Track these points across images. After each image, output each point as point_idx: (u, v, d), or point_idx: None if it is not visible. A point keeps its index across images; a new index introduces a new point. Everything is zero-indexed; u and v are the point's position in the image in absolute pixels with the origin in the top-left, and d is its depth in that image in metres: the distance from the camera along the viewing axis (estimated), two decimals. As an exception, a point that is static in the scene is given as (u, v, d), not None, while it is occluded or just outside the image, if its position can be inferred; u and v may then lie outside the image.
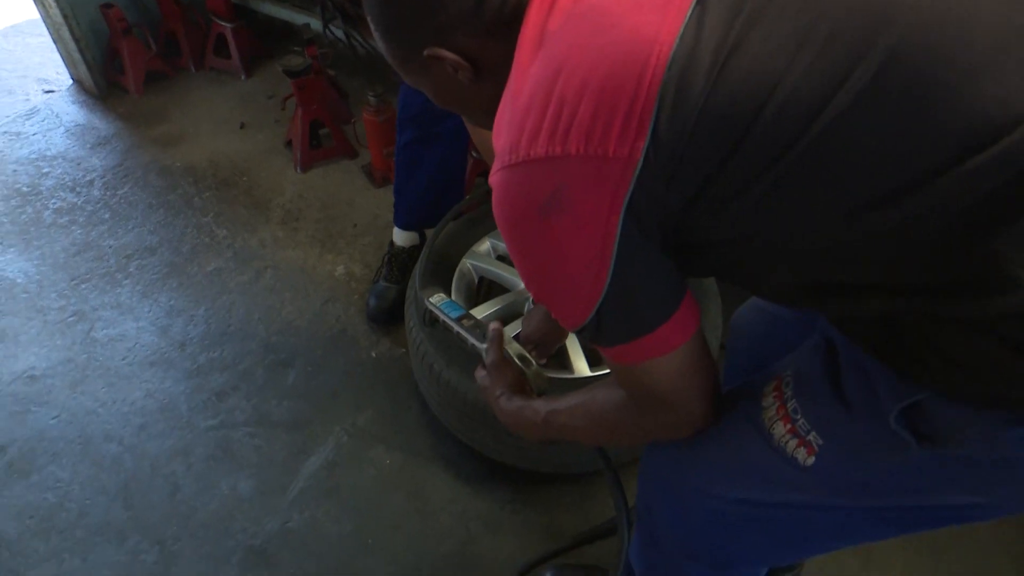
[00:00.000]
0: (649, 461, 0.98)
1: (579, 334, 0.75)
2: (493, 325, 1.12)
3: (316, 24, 2.57)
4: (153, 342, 1.88)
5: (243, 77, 2.81)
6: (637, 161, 0.61)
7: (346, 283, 2.03)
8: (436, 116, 1.71)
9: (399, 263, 1.92)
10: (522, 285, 1.67)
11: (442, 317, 1.22)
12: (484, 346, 1.15)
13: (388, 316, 1.89)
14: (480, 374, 1.12)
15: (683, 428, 0.82)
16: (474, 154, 2.10)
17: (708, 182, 0.62)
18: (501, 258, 1.78)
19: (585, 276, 0.68)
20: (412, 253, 1.93)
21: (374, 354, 1.84)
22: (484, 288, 1.82)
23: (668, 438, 0.87)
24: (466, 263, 1.71)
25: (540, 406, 0.98)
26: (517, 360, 1.13)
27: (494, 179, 0.68)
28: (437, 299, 1.26)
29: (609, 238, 0.64)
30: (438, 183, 1.84)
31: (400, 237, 1.94)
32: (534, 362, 1.14)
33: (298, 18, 2.57)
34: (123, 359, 1.84)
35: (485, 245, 1.76)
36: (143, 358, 1.84)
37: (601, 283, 0.67)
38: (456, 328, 1.20)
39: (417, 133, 1.74)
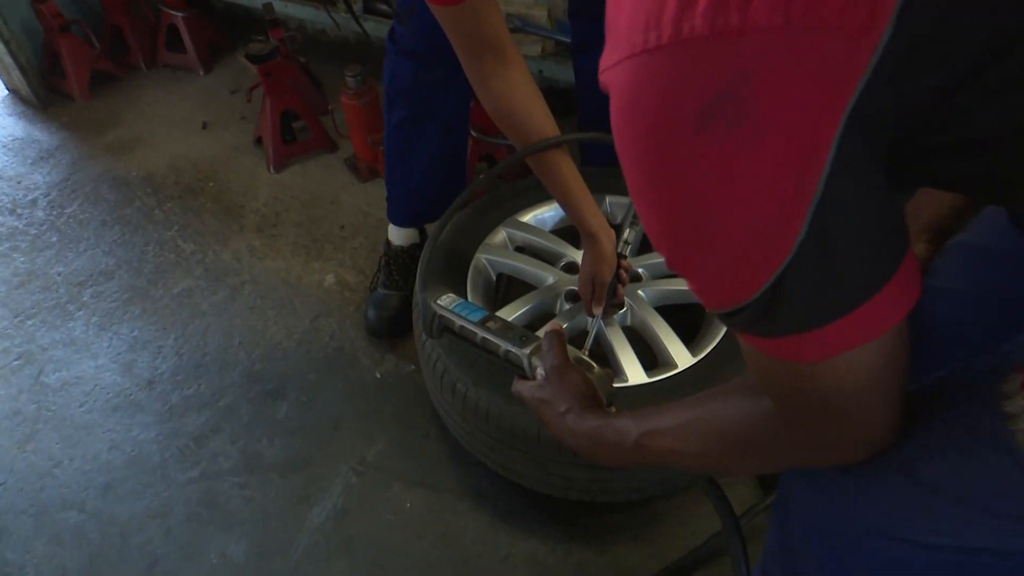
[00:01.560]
0: (797, 490, 0.72)
1: (729, 318, 0.49)
2: (550, 324, 0.86)
3: (280, 4, 2.28)
4: (116, 382, 1.59)
5: (201, 72, 2.51)
6: (880, 35, 0.34)
7: (339, 294, 1.75)
8: (431, 89, 1.43)
9: (399, 266, 1.64)
10: (551, 279, 1.40)
11: (459, 322, 0.95)
12: (525, 352, 0.88)
13: (391, 328, 1.61)
14: (524, 387, 0.86)
15: (859, 449, 0.57)
16: (474, 133, 1.82)
17: (998, 56, 0.36)
18: (520, 249, 1.52)
19: (765, 224, 0.42)
20: (413, 253, 1.66)
21: (379, 374, 1.57)
22: (503, 287, 1.56)
23: (834, 462, 0.61)
24: (480, 259, 1.44)
25: (628, 425, 0.73)
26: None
27: (612, 74, 0.42)
28: (447, 301, 0.99)
29: (815, 163, 0.38)
30: (438, 169, 1.56)
31: (397, 236, 1.66)
32: (595, 365, 0.88)
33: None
34: (81, 406, 1.55)
35: (500, 236, 1.49)
36: (105, 402, 1.55)
37: (791, 234, 0.41)
38: (481, 334, 0.93)
39: (409, 111, 1.46)
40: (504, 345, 0.91)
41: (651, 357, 1.30)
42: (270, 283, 1.78)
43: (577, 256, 1.45)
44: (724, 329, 1.28)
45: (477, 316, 0.96)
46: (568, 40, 1.89)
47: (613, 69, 0.42)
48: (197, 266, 1.84)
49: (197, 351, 1.64)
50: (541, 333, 0.90)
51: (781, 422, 0.58)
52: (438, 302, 0.99)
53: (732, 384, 0.68)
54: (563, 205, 1.19)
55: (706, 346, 1.26)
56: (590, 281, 1.23)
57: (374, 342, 1.62)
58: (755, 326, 0.49)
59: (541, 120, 1.11)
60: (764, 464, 0.69)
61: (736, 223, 0.42)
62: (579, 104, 1.66)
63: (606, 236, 1.19)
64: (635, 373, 1.24)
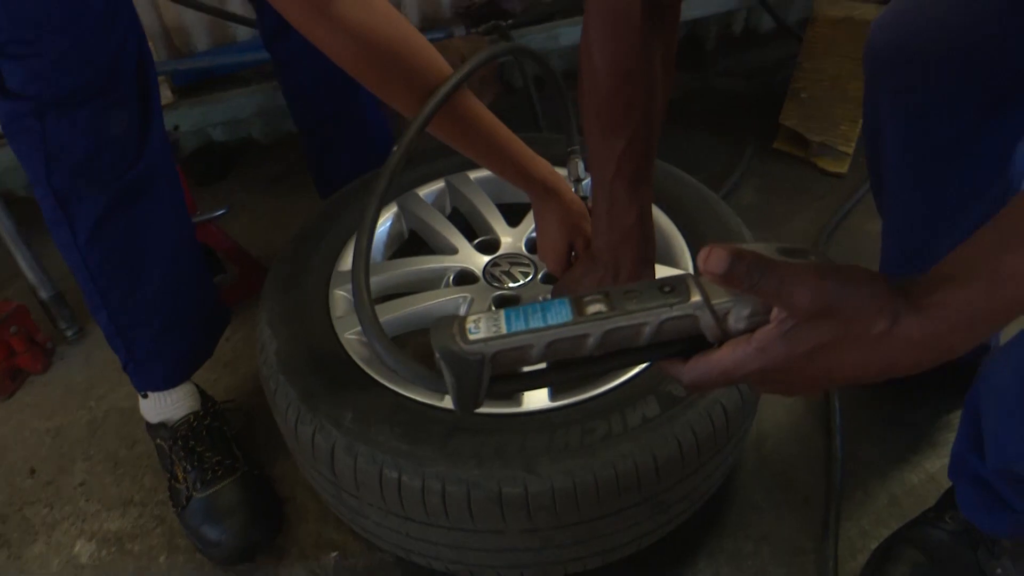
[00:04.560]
0: None
1: None
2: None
3: None
4: None
5: None
6: None
7: (120, 556, 1.00)
8: (131, 142, 0.85)
9: (208, 439, 1.00)
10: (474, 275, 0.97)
11: (543, 341, 0.48)
12: (698, 301, 0.48)
13: (263, 531, 0.98)
14: (739, 356, 0.47)
15: None
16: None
17: None
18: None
19: None
20: (214, 414, 1.03)
21: (295, 603, 0.94)
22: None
23: None
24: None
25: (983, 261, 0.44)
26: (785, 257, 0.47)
27: None
28: (486, 325, 0.49)
29: None
30: (187, 266, 0.98)
31: (173, 405, 1.01)
32: (803, 247, 0.49)
33: None
34: None
35: (346, 262, 1.01)
36: None
37: None
38: (596, 333, 0.48)
39: (113, 194, 0.84)
40: (652, 316, 0.48)
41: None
42: (-25, 633, 0.94)
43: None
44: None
45: (562, 311, 0.48)
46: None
47: None
48: None
49: None
50: None
51: None
52: (471, 335, 0.48)
53: None
54: (494, 164, 0.81)
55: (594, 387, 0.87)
56: (567, 250, 0.86)
57: (248, 570, 0.97)
58: None
59: (430, 51, 0.71)
60: None
61: None
62: (303, 113, 1.22)
63: (565, 185, 0.85)
64: (535, 396, 0.84)
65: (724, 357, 0.47)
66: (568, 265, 0.88)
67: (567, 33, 1.65)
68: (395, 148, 0.70)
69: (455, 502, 0.76)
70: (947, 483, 0.97)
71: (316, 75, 1.15)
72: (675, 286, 0.49)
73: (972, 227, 0.86)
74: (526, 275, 1.01)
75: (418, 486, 0.77)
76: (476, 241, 1.09)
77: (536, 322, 0.48)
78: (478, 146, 0.78)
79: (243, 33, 1.66)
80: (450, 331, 0.49)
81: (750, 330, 0.48)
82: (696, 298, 0.48)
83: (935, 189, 0.87)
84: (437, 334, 0.49)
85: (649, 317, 0.48)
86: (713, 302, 0.48)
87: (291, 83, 1.18)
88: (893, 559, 0.87)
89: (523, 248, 1.07)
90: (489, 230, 1.10)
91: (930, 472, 1.02)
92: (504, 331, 0.48)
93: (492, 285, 1.00)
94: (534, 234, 1.09)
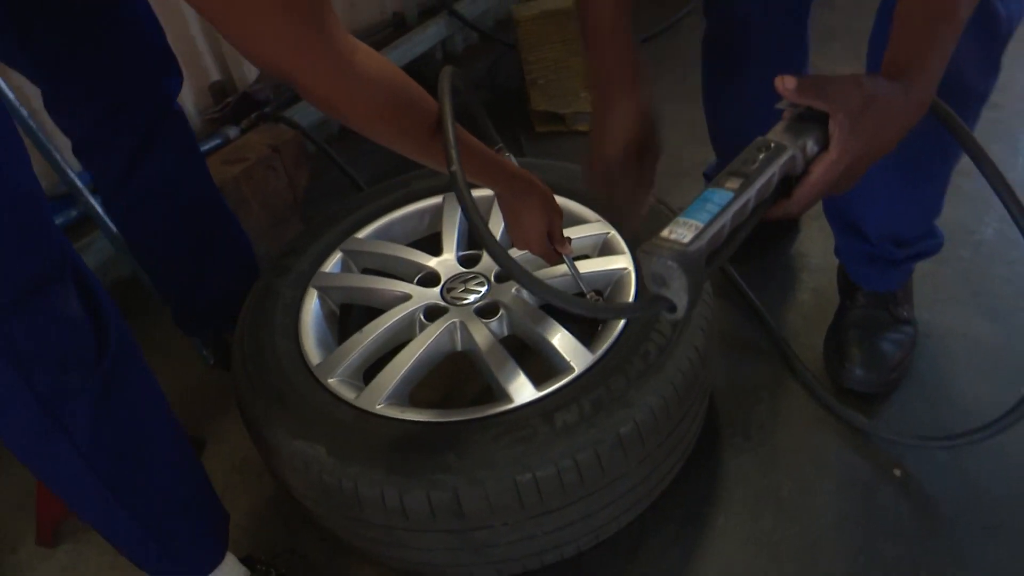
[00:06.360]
0: None
1: None
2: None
3: None
4: None
5: None
6: None
7: None
8: (91, 333, 0.74)
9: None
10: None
11: (721, 223, 0.61)
12: (787, 147, 0.64)
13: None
14: (826, 169, 0.65)
15: None
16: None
17: None
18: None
19: None
20: (271, 564, 0.93)
21: None
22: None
23: None
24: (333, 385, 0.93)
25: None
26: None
27: None
28: (684, 229, 0.59)
29: None
30: (175, 440, 0.87)
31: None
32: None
33: None
34: None
35: (314, 354, 0.99)
36: None
37: None
38: (750, 199, 0.62)
39: (98, 382, 0.72)
40: (775, 166, 0.63)
41: (544, 371, 0.96)
42: None
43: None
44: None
45: (720, 194, 0.61)
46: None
47: None
48: None
49: None
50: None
51: None
52: (682, 240, 0.58)
53: None
54: (483, 175, 0.86)
55: (607, 339, 0.96)
56: (543, 237, 0.96)
57: None
58: None
59: (419, 86, 0.75)
60: None
61: None
62: (166, 248, 1.13)
63: (535, 175, 0.94)
64: (520, 391, 0.91)
65: (819, 173, 0.64)
66: (551, 245, 0.97)
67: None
68: (453, 168, 0.71)
69: (590, 466, 0.83)
70: (827, 288, 1.27)
71: (185, 200, 1.08)
72: (767, 145, 0.64)
73: None
74: (482, 284, 1.08)
75: (553, 473, 0.82)
76: (415, 281, 1.13)
77: (713, 208, 0.60)
78: (472, 161, 0.82)
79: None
80: (666, 244, 0.58)
81: (822, 150, 0.65)
82: (787, 144, 0.64)
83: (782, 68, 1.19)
84: (657, 253, 0.58)
85: (775, 167, 0.63)
86: (795, 140, 0.64)
87: (152, 219, 1.07)
88: (844, 347, 1.13)
89: (459, 267, 1.14)
90: (418, 267, 1.15)
91: (811, 287, 1.33)
92: (702, 224, 0.59)
93: (463, 305, 1.06)
94: (463, 252, 1.17)
